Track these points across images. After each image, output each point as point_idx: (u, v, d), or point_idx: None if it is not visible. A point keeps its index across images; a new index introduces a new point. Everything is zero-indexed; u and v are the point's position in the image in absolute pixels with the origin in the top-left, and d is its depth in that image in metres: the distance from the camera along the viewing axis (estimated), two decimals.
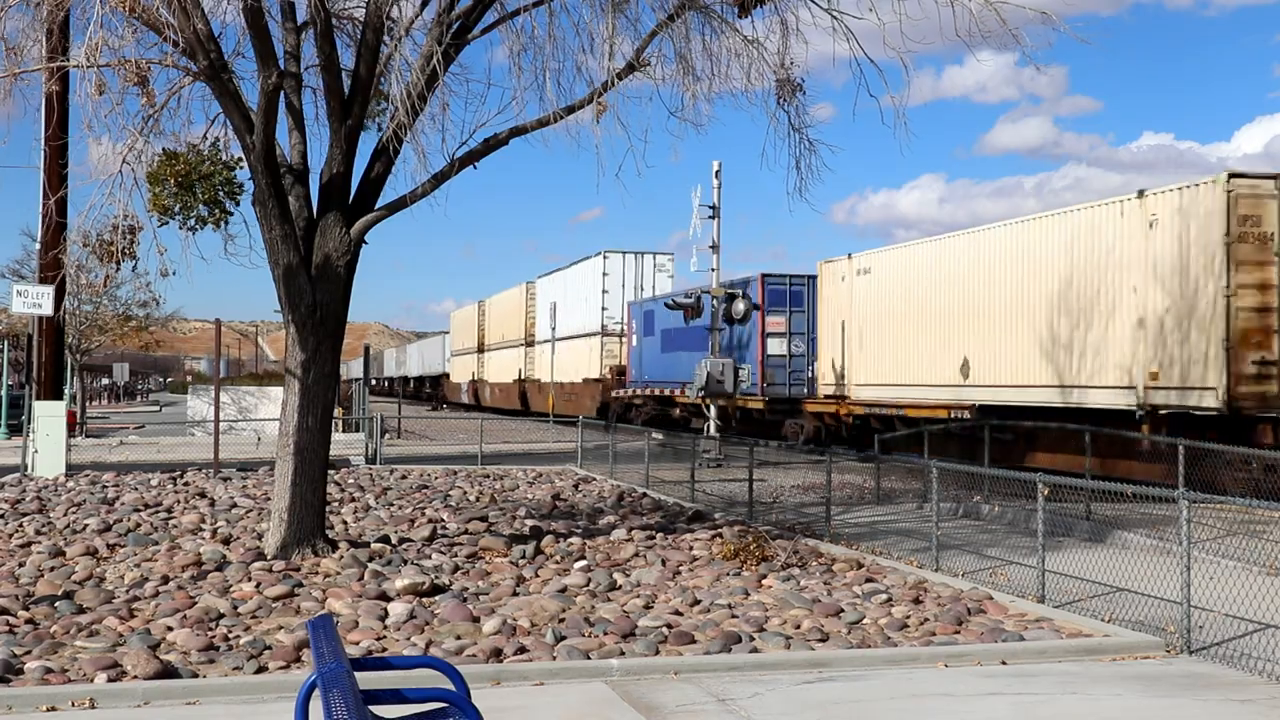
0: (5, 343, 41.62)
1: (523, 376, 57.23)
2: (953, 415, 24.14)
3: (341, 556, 12.47)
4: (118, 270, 13.61)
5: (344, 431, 31.26)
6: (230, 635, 9.39)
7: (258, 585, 11.20)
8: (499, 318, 65.07)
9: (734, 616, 10.20)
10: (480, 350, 69.67)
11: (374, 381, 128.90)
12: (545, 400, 51.46)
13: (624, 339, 45.72)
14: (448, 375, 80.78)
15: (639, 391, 41.66)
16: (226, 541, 13.78)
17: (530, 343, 56.53)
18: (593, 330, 47.55)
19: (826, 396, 30.35)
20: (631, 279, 46.56)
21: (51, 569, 12.03)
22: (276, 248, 12.63)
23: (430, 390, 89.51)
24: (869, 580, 11.86)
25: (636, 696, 7.90)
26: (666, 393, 38.78)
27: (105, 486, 20.24)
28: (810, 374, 32.40)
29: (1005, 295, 23.26)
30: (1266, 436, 17.56)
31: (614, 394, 43.42)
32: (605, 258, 45.36)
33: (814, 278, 31.58)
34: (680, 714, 7.57)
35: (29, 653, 8.72)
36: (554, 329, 50.48)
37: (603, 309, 46.59)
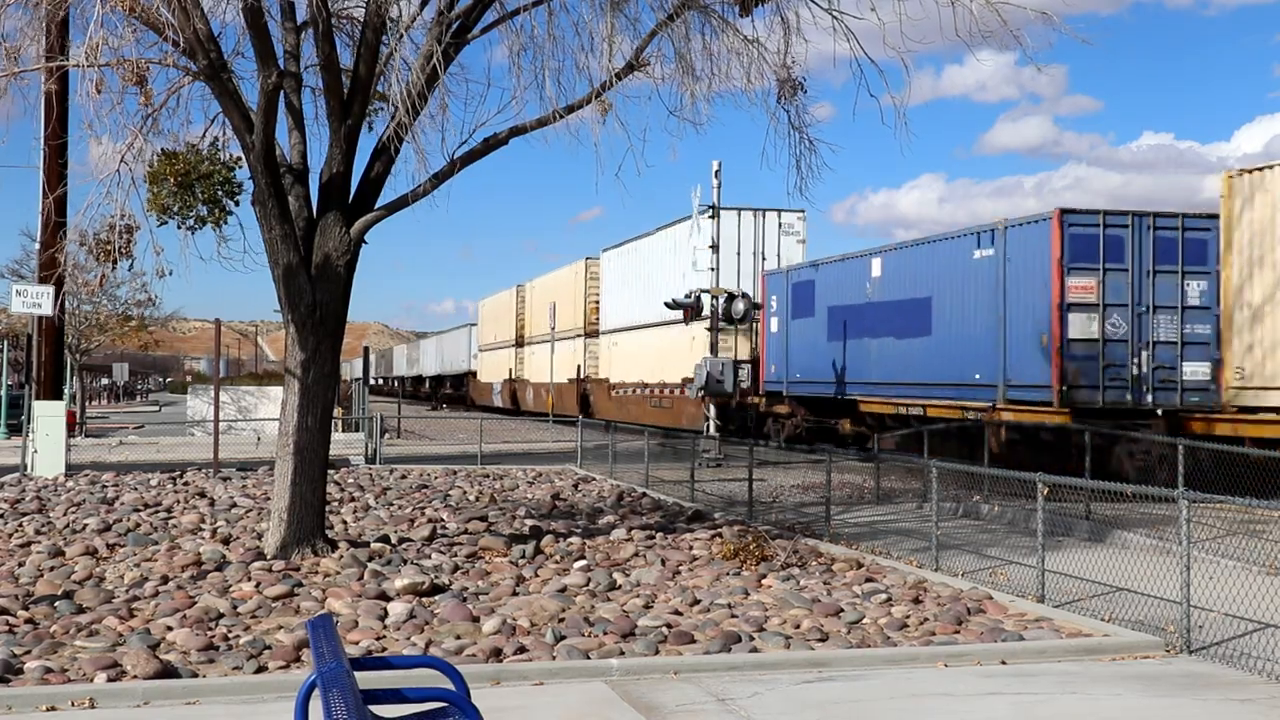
0: (5, 342, 41.61)
1: (582, 375, 47.47)
2: None
3: (341, 556, 12.46)
4: (114, 269, 13.59)
5: (344, 431, 31.24)
6: (230, 635, 9.39)
7: (257, 585, 11.19)
8: (546, 305, 54.28)
9: (734, 616, 10.20)
10: (519, 344, 59.56)
11: (379, 381, 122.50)
12: (618, 405, 42.04)
13: (739, 327, 33.83)
14: (474, 374, 71.67)
15: (789, 394, 30.88)
16: (226, 541, 13.78)
17: (591, 333, 47.06)
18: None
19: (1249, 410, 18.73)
20: (749, 243, 34.65)
21: (51, 569, 12.02)
22: (276, 247, 12.62)
23: (452, 391, 79.46)
24: (869, 580, 11.86)
25: (636, 696, 7.90)
26: (838, 396, 28.29)
27: (105, 486, 20.23)
28: (1203, 367, 20.32)
29: None
30: None
31: (747, 399, 32.75)
32: (714, 217, 32.63)
33: (1146, 216, 20.61)
34: (680, 714, 7.56)
35: (29, 652, 8.72)
36: (627, 314, 41.10)
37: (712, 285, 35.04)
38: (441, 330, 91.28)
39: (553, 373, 51.94)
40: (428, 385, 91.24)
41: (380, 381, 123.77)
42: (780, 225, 34.99)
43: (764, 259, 34.67)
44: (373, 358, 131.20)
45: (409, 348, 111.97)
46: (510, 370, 60.60)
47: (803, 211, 35.30)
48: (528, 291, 58.68)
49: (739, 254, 34.43)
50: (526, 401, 57.69)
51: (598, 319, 46.81)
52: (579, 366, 48.09)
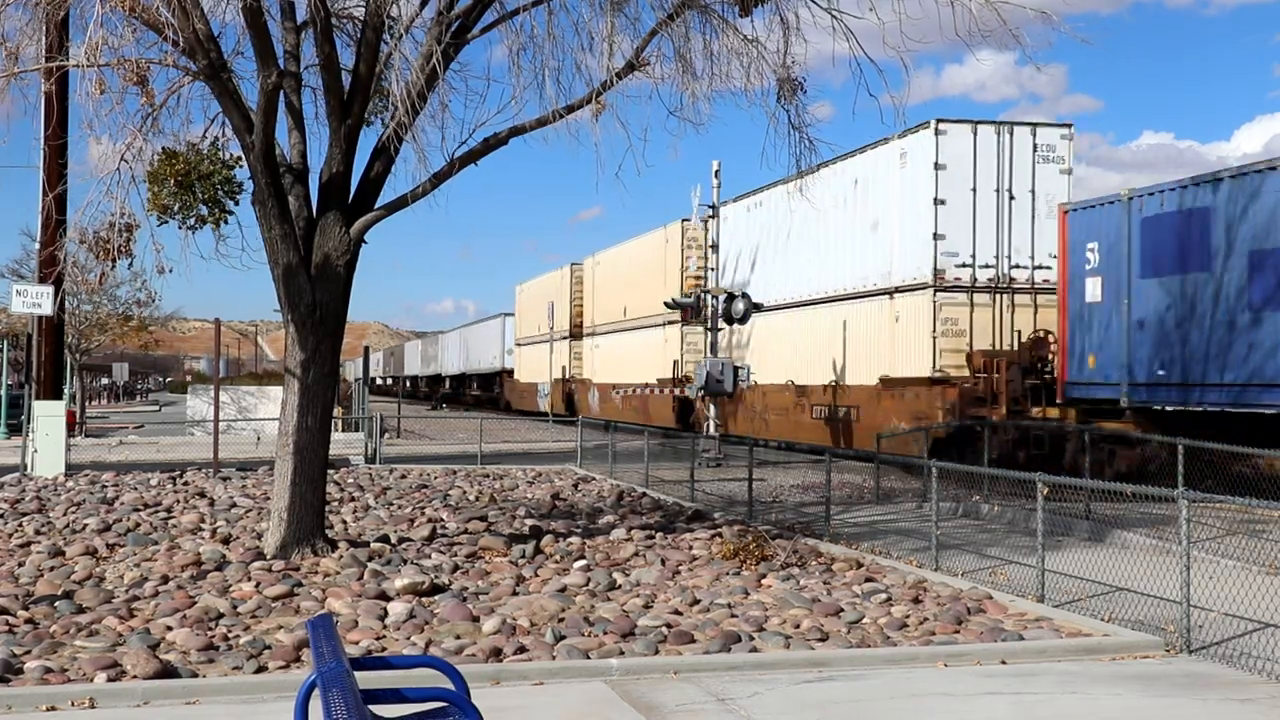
0: (5, 342, 41.61)
1: (679, 374, 37.13)
2: None
3: (341, 556, 12.46)
4: (114, 268, 13.59)
5: (343, 431, 31.24)
6: (230, 635, 9.39)
7: (257, 585, 11.19)
8: (619, 283, 43.11)
9: (733, 616, 10.20)
10: (575, 335, 49.13)
11: (388, 382, 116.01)
12: (783, 420, 30.82)
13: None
14: (509, 373, 61.62)
15: (1131, 403, 20.08)
16: (226, 541, 13.78)
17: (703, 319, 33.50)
18: (913, 280, 24.53)
19: None
20: (989, 173, 23.96)
21: (51, 569, 12.02)
22: (276, 247, 12.62)
23: (480, 392, 69.26)
24: (868, 580, 11.86)
25: (636, 696, 7.90)
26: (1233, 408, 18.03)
27: (105, 486, 20.23)
28: None
29: None
30: None
31: (1031, 409, 22.05)
32: (938, 132, 23.61)
33: None
34: (680, 713, 7.56)
35: (29, 652, 8.72)
36: (779, 284, 31.04)
37: (936, 236, 23.66)
38: (467, 322, 79.66)
39: (633, 372, 40.86)
40: (448, 385, 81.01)
41: (388, 382, 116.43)
42: (1035, 147, 24.37)
43: (1011, 196, 24.05)
44: (379, 356, 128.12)
45: (424, 344, 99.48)
46: (566, 369, 49.42)
47: (1069, 126, 24.67)
48: (591, 270, 46.92)
49: (974, 190, 23.76)
50: (590, 408, 45.31)
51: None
52: (676, 363, 37.23)
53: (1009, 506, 17.39)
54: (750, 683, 8.27)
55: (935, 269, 23.85)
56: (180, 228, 13.17)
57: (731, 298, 30.05)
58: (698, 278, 36.41)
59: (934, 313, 23.86)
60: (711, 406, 30.83)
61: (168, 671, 8.19)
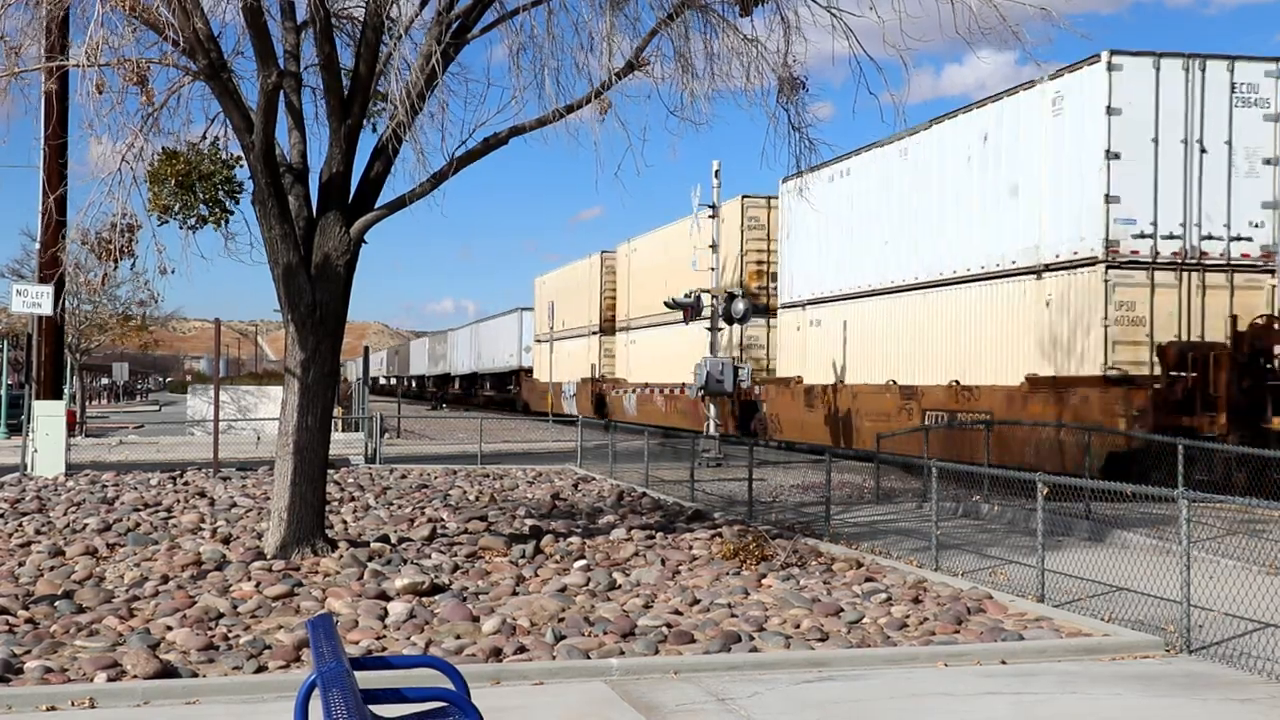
0: (5, 342, 41.61)
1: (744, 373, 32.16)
2: None
3: (341, 556, 12.46)
4: (116, 269, 13.60)
5: (343, 431, 31.25)
6: (230, 635, 9.39)
7: (257, 585, 11.19)
8: (660, 271, 38.51)
9: (733, 616, 10.19)
10: (606, 330, 45.24)
11: (392, 381, 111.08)
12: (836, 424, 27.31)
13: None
14: (526, 371, 57.47)
15: None
16: (226, 541, 13.78)
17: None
18: (1072, 255, 20.10)
19: None
20: (1173, 121, 19.57)
21: (51, 568, 12.02)
22: (276, 247, 12.62)
23: (495, 392, 65.14)
24: (868, 580, 11.86)
25: (636, 696, 7.90)
26: None
27: (105, 486, 20.23)
28: None
29: None
30: None
31: None
32: (1111, 67, 19.34)
33: None
34: (680, 713, 7.56)
35: (29, 652, 8.72)
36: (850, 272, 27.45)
37: (1109, 199, 19.34)
38: (480, 318, 73.76)
39: (677, 370, 36.30)
40: (458, 386, 76.45)
41: (392, 382, 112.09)
42: (1233, 87, 19.76)
43: (1202, 149, 19.62)
44: (382, 355, 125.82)
45: (432, 341, 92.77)
46: (595, 367, 45.59)
47: (1276, 61, 20.06)
48: (625, 258, 42.55)
49: (1156, 141, 19.41)
50: (625, 410, 41.18)
51: (766, 285, 32.60)
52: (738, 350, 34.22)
53: (1009, 506, 17.38)
54: (750, 683, 8.27)
55: (1107, 240, 19.14)
56: (181, 228, 13.19)
57: (731, 297, 30.01)
58: (760, 263, 32.65)
59: (1106, 295, 19.11)
60: (711, 406, 30.83)
61: (168, 671, 8.19)
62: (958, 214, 23.49)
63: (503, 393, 63.00)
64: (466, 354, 72.82)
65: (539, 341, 54.25)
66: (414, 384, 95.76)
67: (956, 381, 23.00)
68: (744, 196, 33.18)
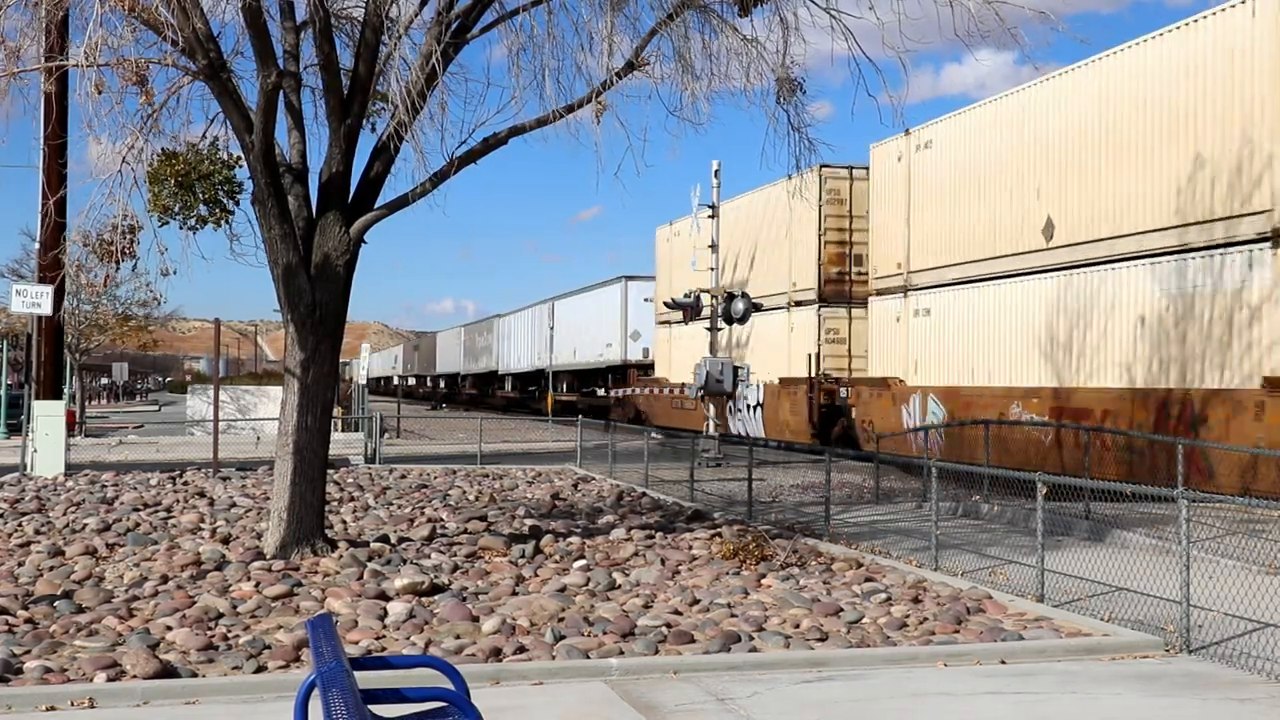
0: (5, 342, 41.61)
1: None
2: None
3: (341, 556, 12.47)
4: (117, 270, 13.61)
5: (343, 431, 31.25)
6: (230, 635, 9.39)
7: (257, 585, 11.19)
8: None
9: (733, 616, 10.20)
10: (832, 298, 29.47)
11: (409, 382, 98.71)
12: None
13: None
14: (640, 368, 41.54)
15: None
16: (226, 541, 13.78)
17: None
18: None
19: None
20: None
21: (51, 568, 12.02)
22: (276, 247, 12.62)
23: (579, 396, 47.98)
24: (868, 579, 11.86)
25: (636, 696, 7.90)
26: None
27: (104, 486, 20.23)
28: None
29: None
30: None
31: None
32: None
33: None
34: (679, 713, 7.56)
35: (28, 652, 8.72)
36: None
37: None
38: (554, 296, 54.23)
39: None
40: (510, 387, 60.25)
41: (410, 382, 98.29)
42: None
43: None
44: (396, 352, 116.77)
45: (468, 332, 73.73)
46: (813, 360, 28.83)
47: None
48: (891, 163, 26.67)
49: None
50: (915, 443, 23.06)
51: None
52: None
53: (1008, 506, 17.39)
54: (750, 683, 8.27)
55: None
56: (181, 228, 13.19)
57: (731, 297, 29.93)
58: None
59: None
60: (711, 406, 30.74)
61: (167, 671, 8.19)
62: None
63: (590, 397, 45.84)
64: (528, 345, 56.27)
65: (666, 324, 38.04)
66: (442, 384, 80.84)
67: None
68: (822, 166, 27.82)
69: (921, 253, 25.44)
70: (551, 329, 52.68)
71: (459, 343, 77.05)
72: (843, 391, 28.11)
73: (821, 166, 28.44)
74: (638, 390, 41.49)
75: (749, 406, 32.76)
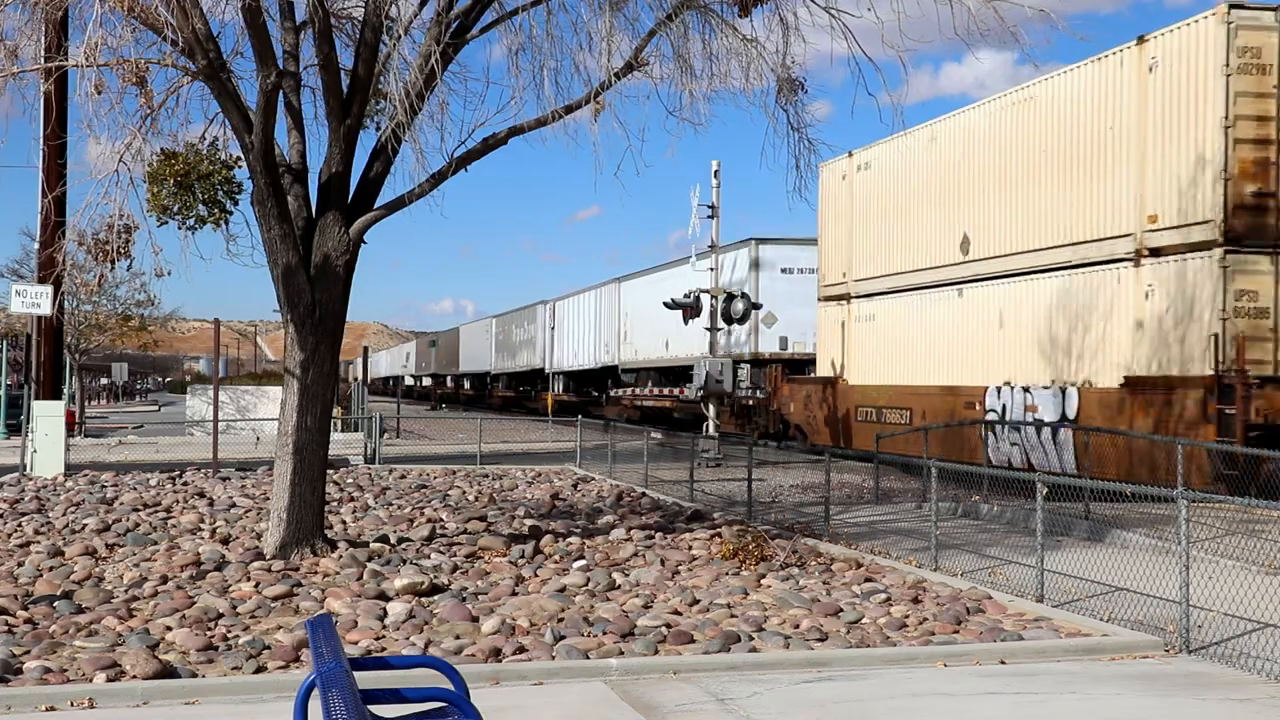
0: (4, 342, 41.60)
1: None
2: None
3: (340, 556, 12.46)
4: (113, 269, 13.59)
5: (343, 431, 31.28)
6: (229, 635, 9.39)
7: (257, 585, 11.19)
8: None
9: (733, 616, 10.20)
10: (1252, 235, 16.70)
11: (423, 382, 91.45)
12: None
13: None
14: (788, 365, 32.35)
15: None
16: (225, 541, 13.78)
17: None
18: None
19: None
20: None
21: (50, 569, 12.02)
22: (275, 247, 12.62)
23: (664, 398, 38.44)
24: (868, 580, 11.86)
25: (635, 696, 7.90)
26: None
27: (104, 486, 20.22)
28: None
29: None
30: None
31: None
32: None
33: None
34: (679, 713, 7.56)
35: (28, 652, 8.72)
36: None
37: None
38: (621, 276, 44.06)
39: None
40: (563, 388, 50.08)
41: (423, 383, 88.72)
42: None
43: None
44: (409, 349, 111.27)
45: (501, 324, 62.33)
46: (1218, 343, 16.98)
47: None
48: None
49: None
50: None
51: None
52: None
53: (1008, 506, 17.38)
54: (750, 683, 8.27)
55: None
56: (180, 228, 13.18)
57: (731, 297, 29.92)
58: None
59: None
60: (711, 407, 30.64)
61: (167, 671, 8.19)
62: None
63: (688, 404, 35.00)
64: (588, 336, 46.05)
65: (840, 300, 28.13)
66: (467, 385, 71.12)
67: None
68: (1230, 7, 17.07)
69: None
70: (625, 315, 42.25)
71: (489, 336, 64.70)
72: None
73: (1230, 7, 17.18)
74: (780, 391, 31.42)
75: (1046, 428, 20.36)
